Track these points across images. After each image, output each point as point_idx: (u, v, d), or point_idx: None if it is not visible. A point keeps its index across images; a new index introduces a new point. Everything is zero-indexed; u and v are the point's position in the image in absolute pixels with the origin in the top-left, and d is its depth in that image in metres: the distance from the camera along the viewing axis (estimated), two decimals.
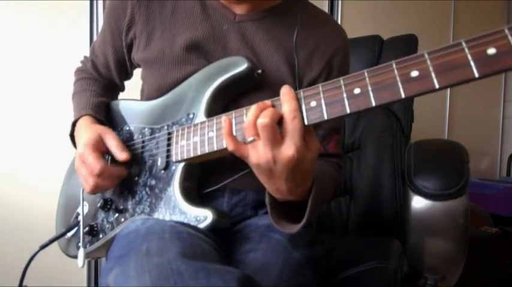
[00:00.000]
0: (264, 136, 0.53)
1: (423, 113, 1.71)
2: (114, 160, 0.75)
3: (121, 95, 1.01)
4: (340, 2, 2.03)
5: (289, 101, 0.53)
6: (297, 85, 0.78)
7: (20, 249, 1.00)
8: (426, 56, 0.45)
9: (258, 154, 0.54)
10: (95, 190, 0.75)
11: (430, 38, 1.84)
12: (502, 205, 2.12)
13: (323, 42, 0.81)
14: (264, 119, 0.52)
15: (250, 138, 0.54)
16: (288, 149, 0.52)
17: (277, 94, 0.56)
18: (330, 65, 0.81)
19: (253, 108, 0.55)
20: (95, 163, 0.72)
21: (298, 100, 0.53)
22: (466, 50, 0.42)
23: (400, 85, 0.46)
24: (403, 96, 0.46)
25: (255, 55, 0.77)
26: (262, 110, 0.54)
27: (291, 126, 0.52)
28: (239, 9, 0.80)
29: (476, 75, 0.42)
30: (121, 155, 0.74)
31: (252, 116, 0.54)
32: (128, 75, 0.95)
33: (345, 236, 1.14)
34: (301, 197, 0.60)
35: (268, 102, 0.56)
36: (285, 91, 0.54)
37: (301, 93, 0.54)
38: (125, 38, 0.84)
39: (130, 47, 0.85)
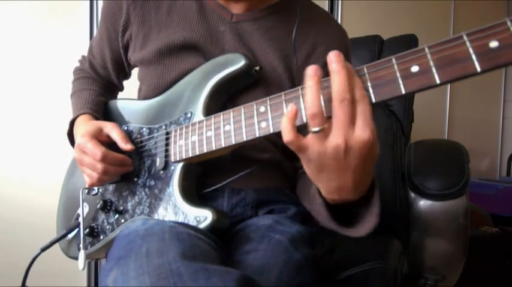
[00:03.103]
0: (340, 117, 0.46)
1: (423, 113, 1.71)
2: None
3: (119, 95, 1.01)
4: (340, 2, 2.03)
5: (355, 77, 0.47)
6: (294, 86, 0.78)
7: (21, 249, 1.01)
8: (426, 50, 0.44)
9: (324, 143, 0.48)
10: (103, 177, 0.74)
11: (430, 38, 1.83)
12: (502, 205, 2.12)
13: (322, 43, 0.81)
14: (344, 94, 0.45)
15: (317, 129, 0.47)
16: (363, 132, 0.46)
17: (273, 93, 0.56)
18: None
19: (315, 89, 0.47)
20: (95, 149, 0.72)
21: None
22: (468, 44, 0.41)
23: (400, 81, 0.45)
24: (403, 92, 0.45)
25: (253, 56, 0.77)
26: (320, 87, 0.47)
27: (362, 106, 0.46)
28: (236, 9, 0.80)
29: (479, 69, 0.40)
30: (125, 145, 0.74)
31: (317, 98, 0.47)
32: (126, 75, 0.95)
33: (345, 236, 1.14)
34: (363, 194, 0.55)
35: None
36: (337, 59, 0.47)
37: (300, 90, 0.53)
38: (121, 39, 0.84)
39: (126, 48, 0.85)
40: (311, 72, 0.49)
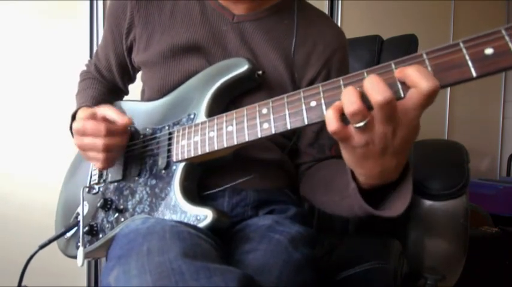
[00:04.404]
0: (383, 114, 0.46)
1: (423, 113, 1.71)
2: None
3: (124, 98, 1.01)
4: (340, 2, 2.04)
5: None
6: (295, 85, 0.79)
7: (20, 248, 1.01)
8: (424, 56, 0.45)
9: (370, 134, 0.48)
10: (108, 155, 0.71)
11: (430, 38, 1.84)
12: (502, 205, 2.12)
13: (321, 42, 0.82)
14: (383, 96, 0.44)
15: (361, 124, 0.47)
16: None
17: (275, 94, 0.56)
18: (329, 65, 0.82)
19: (351, 90, 0.46)
20: (97, 125, 0.69)
21: None
22: (464, 50, 0.43)
23: (399, 85, 0.46)
24: (402, 96, 0.46)
25: (254, 56, 0.78)
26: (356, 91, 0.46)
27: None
28: (237, 10, 0.80)
29: (474, 75, 0.42)
30: (122, 119, 0.71)
31: (359, 98, 0.46)
32: (131, 79, 0.95)
33: (345, 236, 1.14)
34: (400, 173, 0.55)
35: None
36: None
37: (301, 93, 0.54)
38: (125, 41, 0.85)
39: (130, 50, 0.86)
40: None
